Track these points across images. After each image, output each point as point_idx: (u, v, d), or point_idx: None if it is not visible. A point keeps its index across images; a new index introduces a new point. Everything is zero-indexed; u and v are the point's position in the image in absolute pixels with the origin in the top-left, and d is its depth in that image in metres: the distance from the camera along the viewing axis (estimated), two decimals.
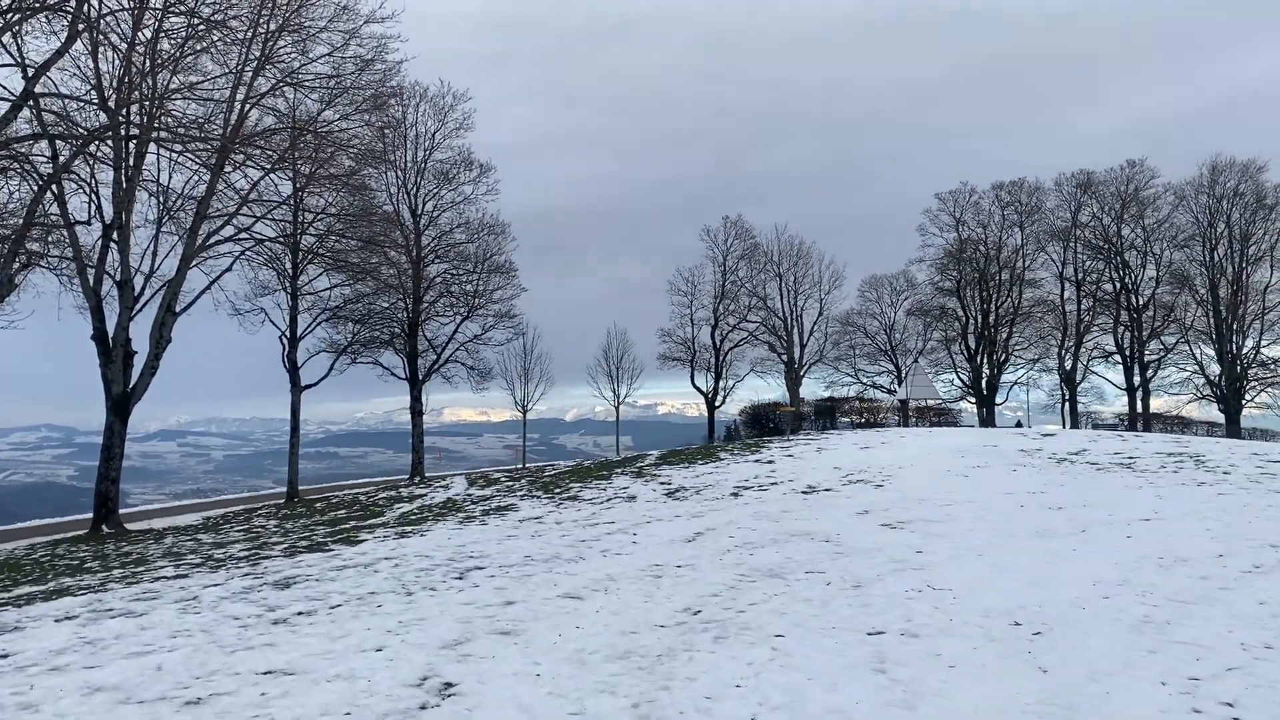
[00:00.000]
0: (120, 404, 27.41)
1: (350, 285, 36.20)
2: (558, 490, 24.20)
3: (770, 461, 27.18)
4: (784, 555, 11.99)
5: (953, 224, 60.80)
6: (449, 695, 6.81)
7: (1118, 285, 59.51)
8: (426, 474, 41.71)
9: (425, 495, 28.12)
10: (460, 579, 11.46)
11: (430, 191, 42.25)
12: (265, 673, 7.57)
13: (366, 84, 30.65)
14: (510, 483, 28.77)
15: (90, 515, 28.42)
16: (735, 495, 20.01)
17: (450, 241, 42.54)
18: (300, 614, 9.82)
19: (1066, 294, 60.15)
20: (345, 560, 13.73)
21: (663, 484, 23.40)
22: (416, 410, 42.20)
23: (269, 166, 28.31)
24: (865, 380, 66.09)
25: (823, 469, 24.43)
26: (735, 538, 13.77)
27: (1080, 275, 59.89)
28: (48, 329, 26.56)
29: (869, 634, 8.04)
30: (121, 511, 28.46)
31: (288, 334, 36.18)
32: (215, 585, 11.97)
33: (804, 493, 19.77)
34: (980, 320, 60.02)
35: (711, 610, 9.12)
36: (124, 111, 24.70)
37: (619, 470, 28.21)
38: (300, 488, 36.57)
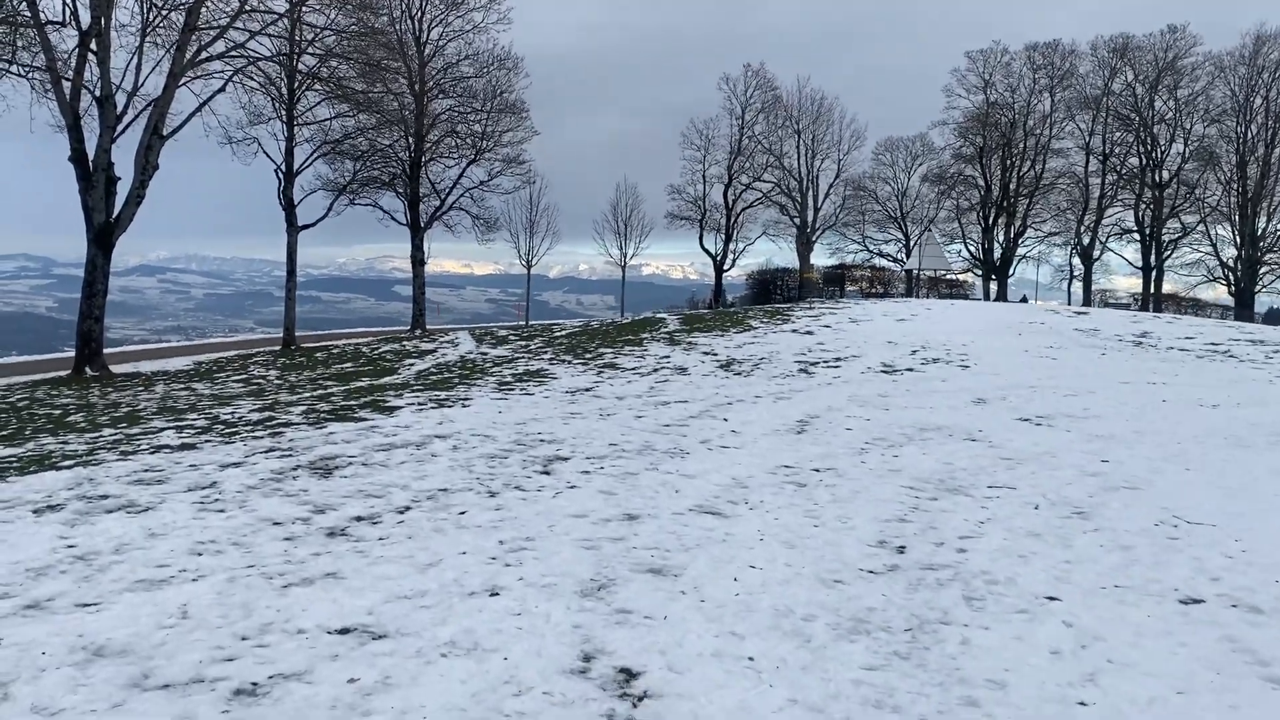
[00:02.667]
0: (103, 235, 24.38)
1: (352, 116, 32.54)
2: (588, 355, 21.74)
3: (809, 332, 24.80)
4: (940, 460, 9.58)
5: (981, 86, 57.04)
6: (641, 700, 4.35)
7: (1143, 160, 56.40)
8: (427, 327, 39.03)
9: (434, 351, 25.68)
10: (546, 473, 8.99)
11: (437, 16, 37.94)
12: (341, 630, 5.12)
13: None
14: (522, 342, 26.27)
15: (72, 354, 25.72)
16: (806, 373, 17.61)
17: (457, 75, 38.61)
18: (359, 519, 7.34)
19: (1091, 167, 57.01)
20: (386, 435, 11.24)
21: (707, 354, 20.95)
22: (418, 259, 39.22)
23: None
24: (872, 248, 63.28)
25: (874, 343, 22.05)
26: (854, 430, 11.35)
27: (1107, 148, 56.65)
28: (23, 146, 23.27)
29: (1181, 602, 5.64)
30: (105, 351, 25.74)
31: (283, 168, 32.75)
32: (235, 465, 9.45)
33: (885, 372, 17.39)
34: (1000, 190, 56.88)
35: (918, 547, 6.73)
36: None
37: (645, 335, 25.71)
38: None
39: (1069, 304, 58.54)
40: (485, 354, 24.15)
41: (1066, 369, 17.47)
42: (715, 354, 20.77)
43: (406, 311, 41.11)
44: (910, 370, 17.62)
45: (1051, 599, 5.70)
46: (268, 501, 7.91)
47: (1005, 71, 56.26)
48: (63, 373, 24.78)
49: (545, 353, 23.20)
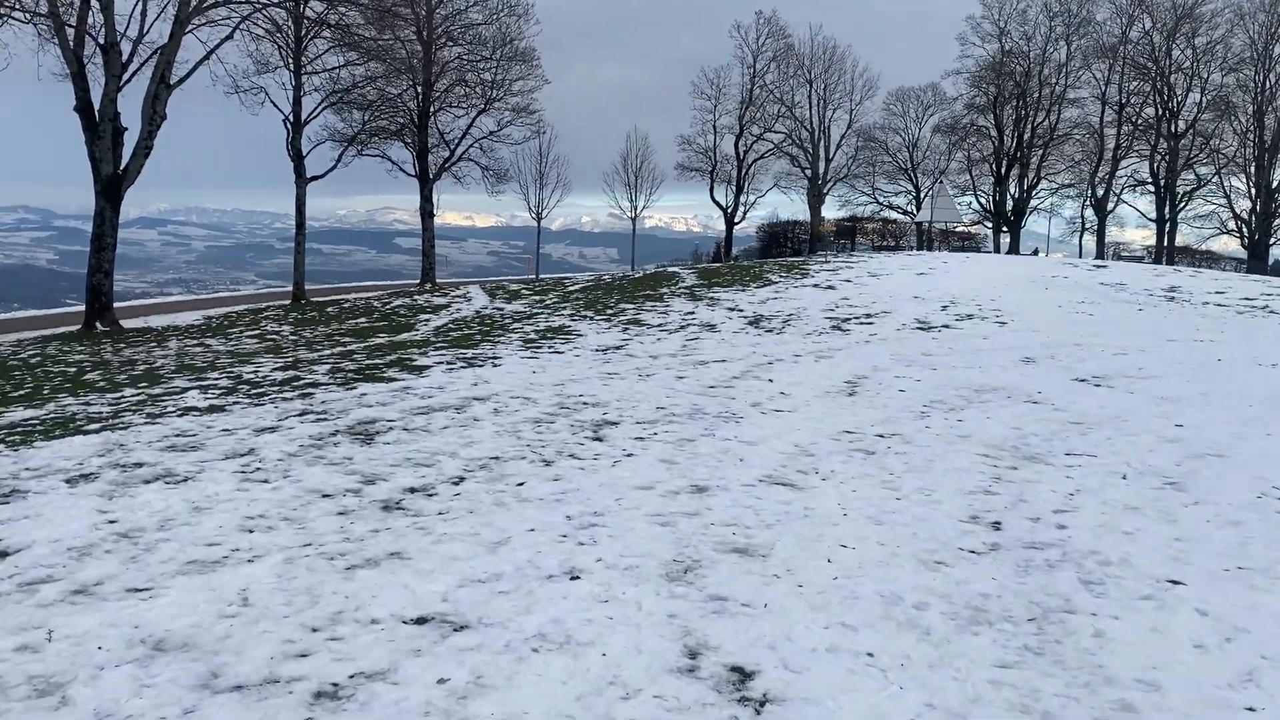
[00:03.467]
0: (111, 187, 23.76)
1: (361, 64, 31.68)
2: (609, 311, 21.24)
3: (830, 287, 24.29)
4: (1007, 424, 9.13)
5: (996, 34, 55.80)
6: (764, 705, 3.94)
7: (1159, 110, 55.37)
8: (437, 281, 38.44)
9: (448, 307, 25.17)
10: (598, 439, 8.55)
11: None
12: (417, 620, 4.70)
13: None
14: (536, 297, 25.76)
15: (82, 309, 25.22)
16: (840, 330, 17.13)
17: (466, 22, 37.56)
18: (413, 491, 6.91)
19: (1107, 117, 55.99)
20: (422, 397, 10.79)
21: (732, 310, 20.45)
22: (427, 211, 38.56)
23: None
24: (882, 200, 62.42)
25: (901, 298, 21.56)
26: (907, 392, 10.89)
27: (1123, 97, 55.59)
28: (24, 96, 22.54)
29: None
30: (115, 305, 25.23)
31: (291, 119, 31.97)
32: (269, 430, 9.01)
33: (922, 329, 16.91)
34: (1015, 140, 55.87)
35: (1013, 522, 6.31)
36: None
37: (663, 290, 25.18)
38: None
39: (1080, 256, 57.90)
40: (501, 309, 23.65)
41: (1107, 325, 16.98)
42: (741, 310, 20.26)
43: (408, 264, 40.60)
44: (947, 327, 17.13)
45: (1175, 583, 5.27)
46: (312, 471, 7.47)
47: (1021, 19, 55.13)
48: (73, 328, 24.32)
49: (564, 308, 22.69)
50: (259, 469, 7.56)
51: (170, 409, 10.68)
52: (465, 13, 37.26)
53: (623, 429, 9.01)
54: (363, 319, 23.94)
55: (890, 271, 27.97)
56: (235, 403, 11.00)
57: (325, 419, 9.62)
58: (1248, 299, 21.83)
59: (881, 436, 8.64)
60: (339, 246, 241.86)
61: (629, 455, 7.99)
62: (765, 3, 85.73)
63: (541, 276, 44.42)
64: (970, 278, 26.13)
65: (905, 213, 61.27)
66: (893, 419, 9.37)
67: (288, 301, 31.33)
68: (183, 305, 32.37)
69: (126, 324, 24.98)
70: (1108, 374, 11.85)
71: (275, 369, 14.19)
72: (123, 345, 19.96)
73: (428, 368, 13.51)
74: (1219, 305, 20.67)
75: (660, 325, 18.55)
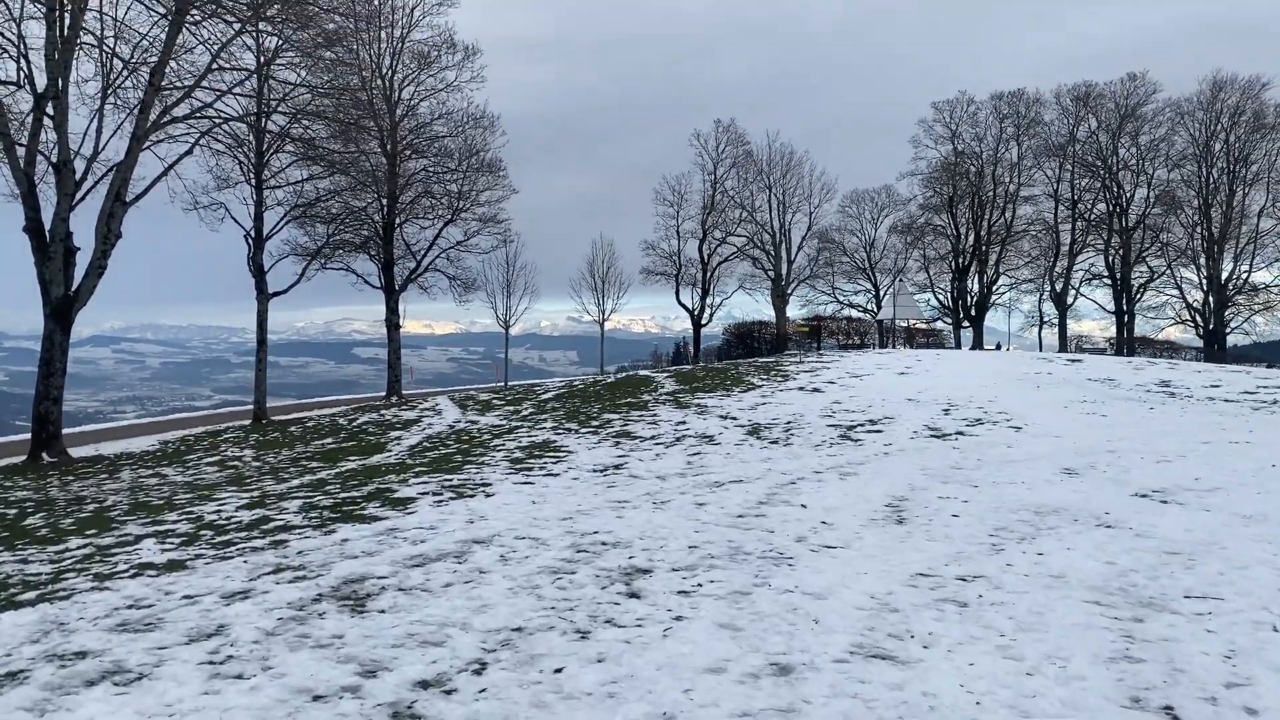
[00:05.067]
0: (61, 309, 22.26)
1: (326, 177, 30.76)
2: (593, 422, 20.00)
3: (817, 389, 23.33)
4: (1095, 558, 7.91)
5: (948, 136, 56.84)
6: None
7: (1110, 206, 56.20)
8: (404, 393, 36.96)
9: (419, 422, 23.78)
10: (634, 596, 7.17)
11: (408, 75, 36.51)
12: None
13: None
14: (510, 407, 24.46)
15: (27, 436, 23.40)
16: (851, 440, 15.97)
17: (431, 134, 37.03)
18: (426, 686, 5.51)
19: (1061, 214, 56.71)
20: (412, 541, 9.37)
21: (725, 418, 19.27)
22: (393, 323, 37.31)
23: (241, 20, 22.76)
24: (842, 299, 62.54)
25: (894, 400, 20.60)
26: (960, 516, 9.66)
27: (1075, 194, 56.45)
28: None
29: None
30: (63, 431, 23.43)
31: (252, 234, 30.77)
32: (240, 596, 7.52)
33: (936, 436, 15.78)
34: (974, 238, 56.28)
35: (1188, 705, 5.05)
36: None
37: (644, 396, 24.00)
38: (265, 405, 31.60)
39: (1040, 349, 57.95)
40: (476, 423, 22.28)
41: (1127, 428, 15.99)
42: (734, 418, 19.06)
43: (369, 375, 39.38)
44: (961, 434, 16.02)
45: None
46: (297, 658, 5.99)
47: (972, 121, 56.15)
48: (17, 459, 22.48)
49: (543, 420, 21.37)
50: (231, 657, 6.06)
51: (121, 566, 9.13)
52: (430, 125, 36.76)
53: (659, 579, 7.63)
54: (330, 439, 22.39)
55: (869, 371, 27.07)
56: (197, 555, 9.46)
57: (305, 576, 8.13)
58: (1247, 392, 21.07)
59: (964, 581, 7.34)
60: (297, 359, 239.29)
61: (679, 619, 6.60)
62: (723, 112, 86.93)
63: (511, 384, 43.13)
64: (954, 376, 25.27)
65: (866, 311, 61.23)
66: (965, 555, 8.08)
67: (248, 421, 29.66)
68: (136, 430, 30.52)
69: (76, 452, 23.19)
70: (1166, 487, 10.71)
71: (240, 506, 12.64)
72: (71, 479, 18.23)
73: (412, 500, 12.05)
74: (1225, 400, 19.86)
75: (654, 438, 17.27)
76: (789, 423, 17.99)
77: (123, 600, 7.69)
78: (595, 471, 14.07)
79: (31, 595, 8.13)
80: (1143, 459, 12.72)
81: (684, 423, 18.89)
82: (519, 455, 16.45)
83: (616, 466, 14.44)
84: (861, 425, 17.28)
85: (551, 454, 16.29)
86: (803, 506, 10.34)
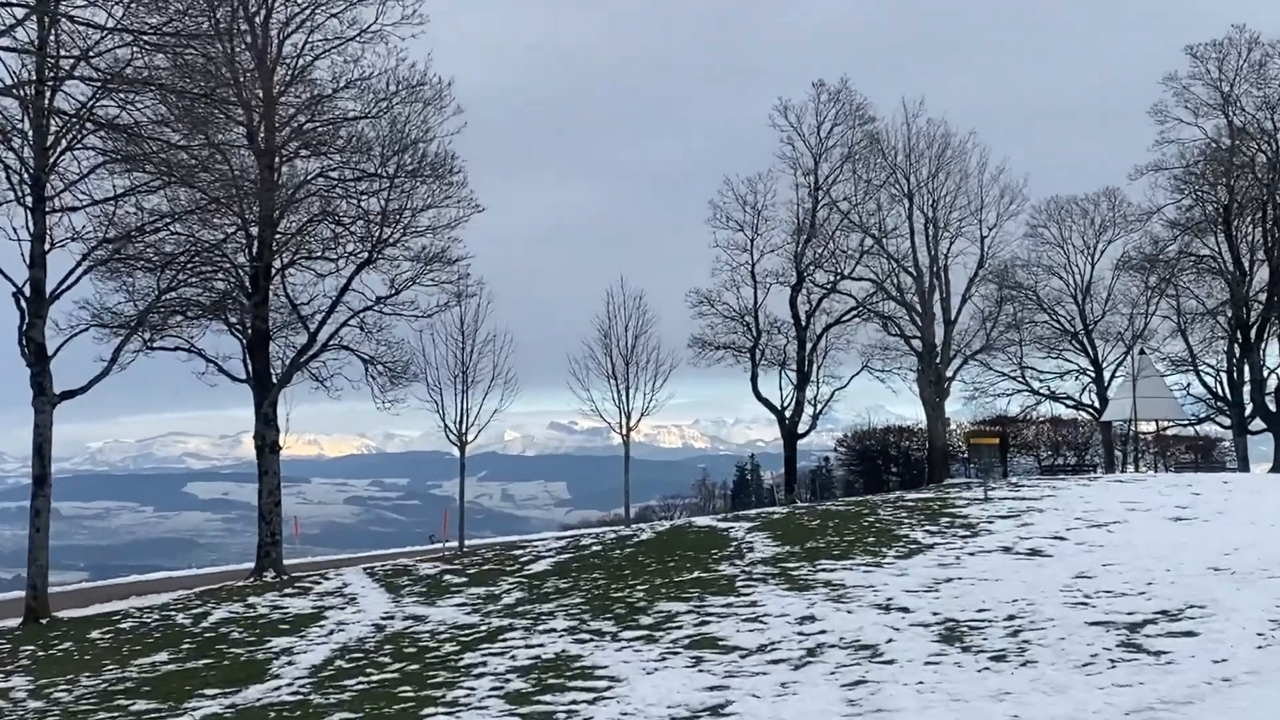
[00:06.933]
0: None
1: (160, 189, 24.15)
2: (640, 618, 15.21)
3: (1035, 552, 17.52)
4: None
5: (1218, 103, 42.33)
6: None
7: None
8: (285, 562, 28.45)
9: (319, 618, 18.20)
10: None
11: (295, 16, 28.78)
12: None
13: None
14: (481, 588, 19.30)
15: None
16: (1143, 652, 10.71)
17: (334, 115, 29.54)
18: None
19: None
20: None
21: (884, 608, 15.80)
22: (269, 440, 30.04)
23: None
24: (1038, 385, 48.47)
25: (1188, 570, 14.95)
26: None
27: None
28: None
29: None
30: None
31: (26, 290, 24.26)
32: None
33: None
34: (1270, 276, 41.92)
35: None
36: None
37: (717, 566, 18.75)
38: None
39: None
40: (423, 619, 17.07)
41: None
42: (902, 606, 15.44)
43: (206, 528, 31.20)
44: None
45: None
46: None
47: (1259, 76, 41.80)
48: None
49: (547, 612, 16.68)
50: None
51: None
52: (333, 99, 29.62)
53: None
54: (165, 654, 17.06)
55: (1117, 515, 20.99)
56: None
57: None
58: None
59: None
60: (92, 504, 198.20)
61: None
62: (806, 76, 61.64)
63: (463, 543, 33.18)
64: (1275, 522, 19.59)
65: (1080, 406, 48.45)
66: None
67: (16, 621, 22.01)
68: None
69: None
70: None
71: None
72: None
73: None
74: None
75: (764, 648, 13.52)
76: (1011, 616, 12.70)
77: None
78: None
79: None
80: None
81: (810, 617, 14.46)
82: (520, 688, 11.53)
83: (713, 711, 9.82)
84: (1152, 621, 11.75)
85: (580, 683, 11.50)
86: None
